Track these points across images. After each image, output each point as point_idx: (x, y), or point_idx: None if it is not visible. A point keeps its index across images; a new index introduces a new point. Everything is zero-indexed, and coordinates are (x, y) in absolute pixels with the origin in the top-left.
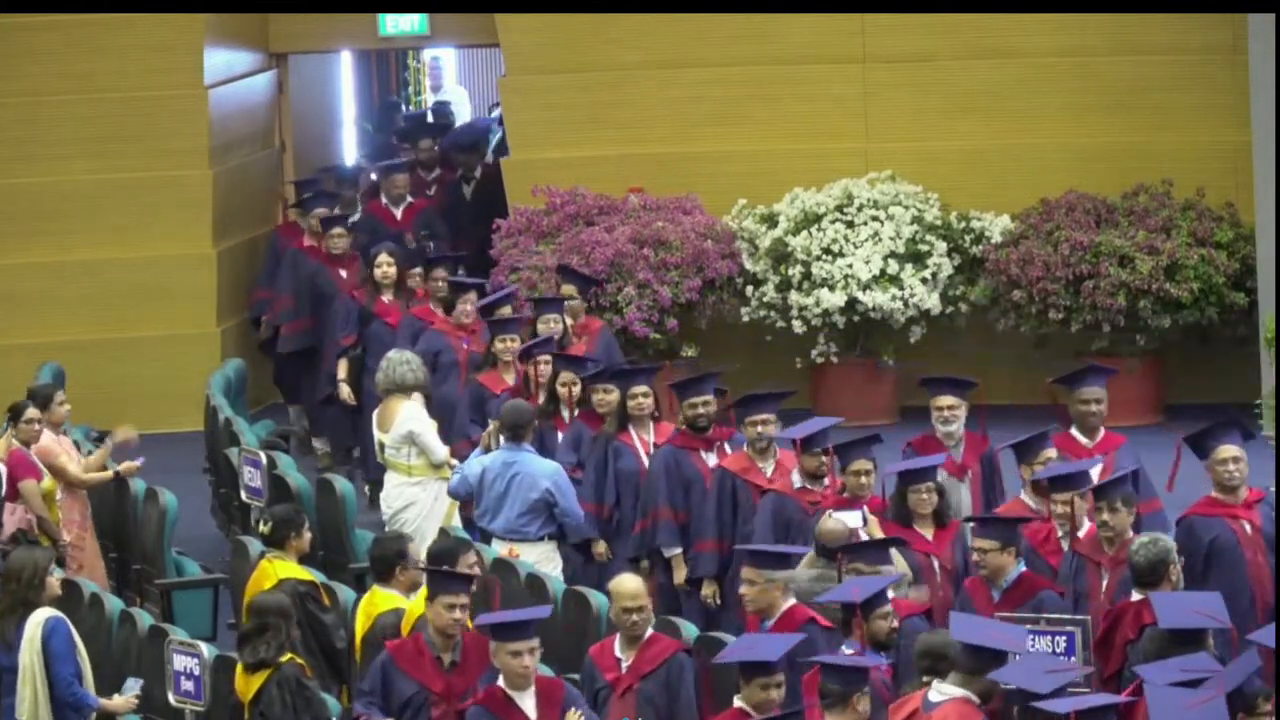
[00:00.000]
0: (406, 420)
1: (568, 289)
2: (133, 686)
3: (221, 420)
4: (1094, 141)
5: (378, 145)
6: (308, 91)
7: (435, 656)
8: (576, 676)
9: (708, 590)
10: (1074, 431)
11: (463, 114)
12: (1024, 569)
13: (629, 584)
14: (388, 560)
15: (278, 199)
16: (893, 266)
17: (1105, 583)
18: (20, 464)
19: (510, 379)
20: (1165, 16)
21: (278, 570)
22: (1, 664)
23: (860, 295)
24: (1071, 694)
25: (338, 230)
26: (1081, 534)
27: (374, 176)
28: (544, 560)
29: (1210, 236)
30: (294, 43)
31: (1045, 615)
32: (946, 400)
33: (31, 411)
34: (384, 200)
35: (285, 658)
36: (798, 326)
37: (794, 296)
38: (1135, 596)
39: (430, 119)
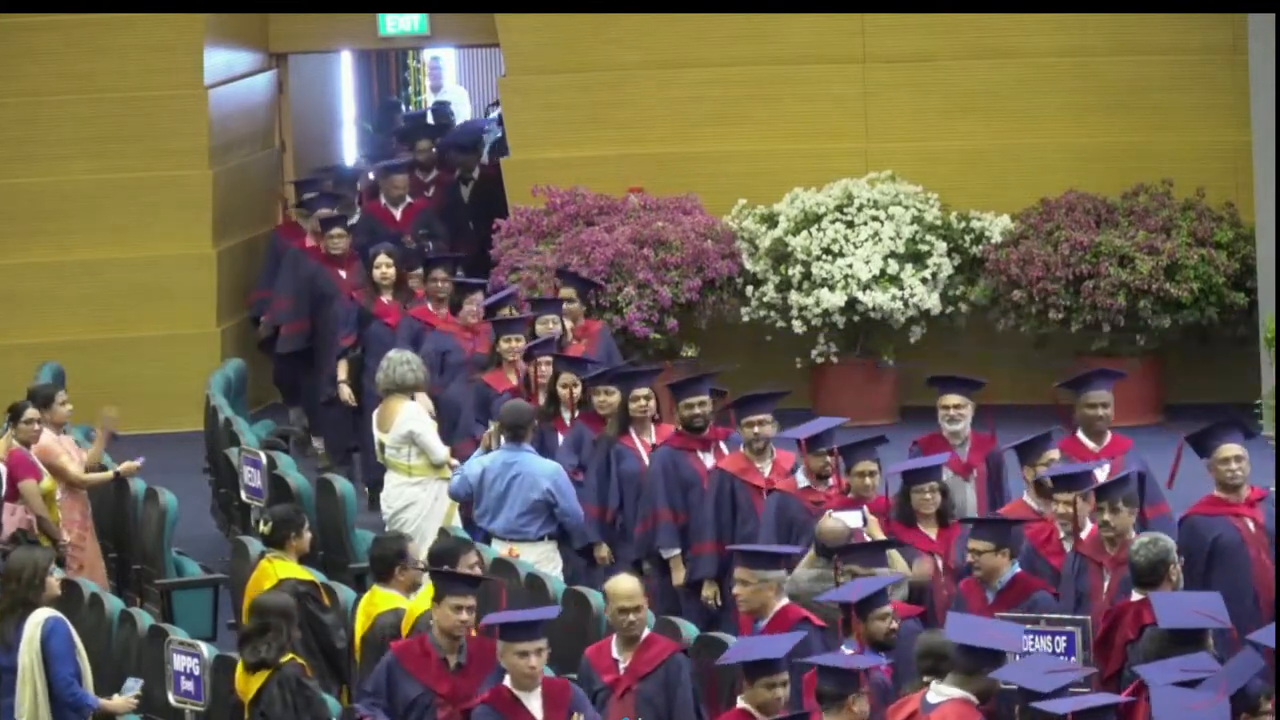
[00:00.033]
0: (406, 420)
1: (566, 292)
2: (133, 686)
3: (221, 420)
4: (1094, 141)
5: (377, 145)
6: (308, 91)
7: (441, 658)
8: (575, 677)
9: (708, 591)
10: (1080, 435)
11: (463, 114)
12: (1019, 570)
13: (625, 584)
14: (388, 560)
15: (278, 199)
16: (893, 266)
17: (1107, 583)
18: (20, 464)
19: (514, 379)
20: (1165, 16)
21: (278, 570)
22: (1, 664)
23: (860, 295)
24: (1072, 694)
25: (337, 231)
26: (1084, 535)
27: (372, 176)
28: (544, 560)
29: (1210, 236)
30: (294, 43)
31: (1045, 615)
32: (953, 399)
33: (31, 411)
34: (383, 201)
35: (286, 658)
36: (798, 326)
37: (794, 296)
38: (1135, 596)
39: (430, 119)
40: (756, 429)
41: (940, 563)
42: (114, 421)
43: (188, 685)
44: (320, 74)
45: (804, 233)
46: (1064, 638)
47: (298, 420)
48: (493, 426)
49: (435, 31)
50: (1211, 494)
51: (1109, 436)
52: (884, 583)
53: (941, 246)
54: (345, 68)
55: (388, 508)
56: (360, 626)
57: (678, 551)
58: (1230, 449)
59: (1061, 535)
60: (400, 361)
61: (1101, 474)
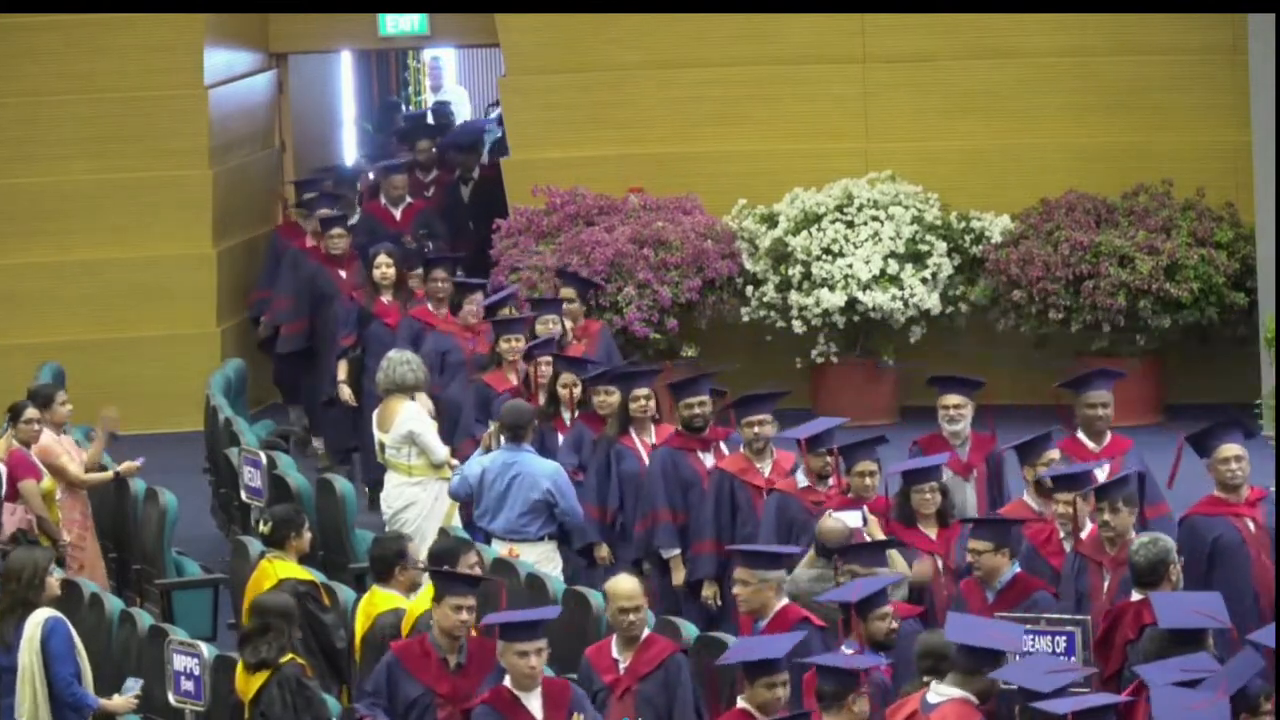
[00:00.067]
0: (406, 420)
1: (566, 292)
2: (133, 686)
3: (221, 420)
4: (1094, 141)
5: (377, 145)
6: (308, 91)
7: (441, 658)
8: (575, 676)
9: (708, 592)
10: (1080, 435)
11: (463, 114)
12: (1018, 570)
13: (625, 584)
14: (387, 560)
15: (278, 199)
16: (893, 266)
17: (1107, 583)
18: (20, 464)
19: (515, 379)
20: (1165, 16)
21: (278, 570)
22: (1, 664)
23: (860, 295)
24: (1072, 694)
25: (337, 231)
26: (1084, 535)
27: (372, 177)
28: (544, 560)
29: (1210, 236)
30: (294, 43)
31: (1045, 615)
32: (953, 399)
33: (31, 411)
34: (383, 201)
35: (286, 658)
36: (798, 326)
37: (794, 296)
38: (1135, 596)
39: (430, 119)
40: (756, 429)
41: (940, 563)
42: (114, 421)
43: (188, 685)
44: (320, 74)
45: (804, 233)
46: (1064, 638)
47: (298, 420)
48: (493, 427)
49: (435, 31)
50: (1212, 494)
51: (1109, 436)
52: (884, 583)
53: (941, 246)
54: (345, 68)
55: (388, 508)
56: (360, 626)
57: (677, 551)
58: (1230, 449)
59: (1062, 535)
60: (400, 361)
61: (1101, 474)
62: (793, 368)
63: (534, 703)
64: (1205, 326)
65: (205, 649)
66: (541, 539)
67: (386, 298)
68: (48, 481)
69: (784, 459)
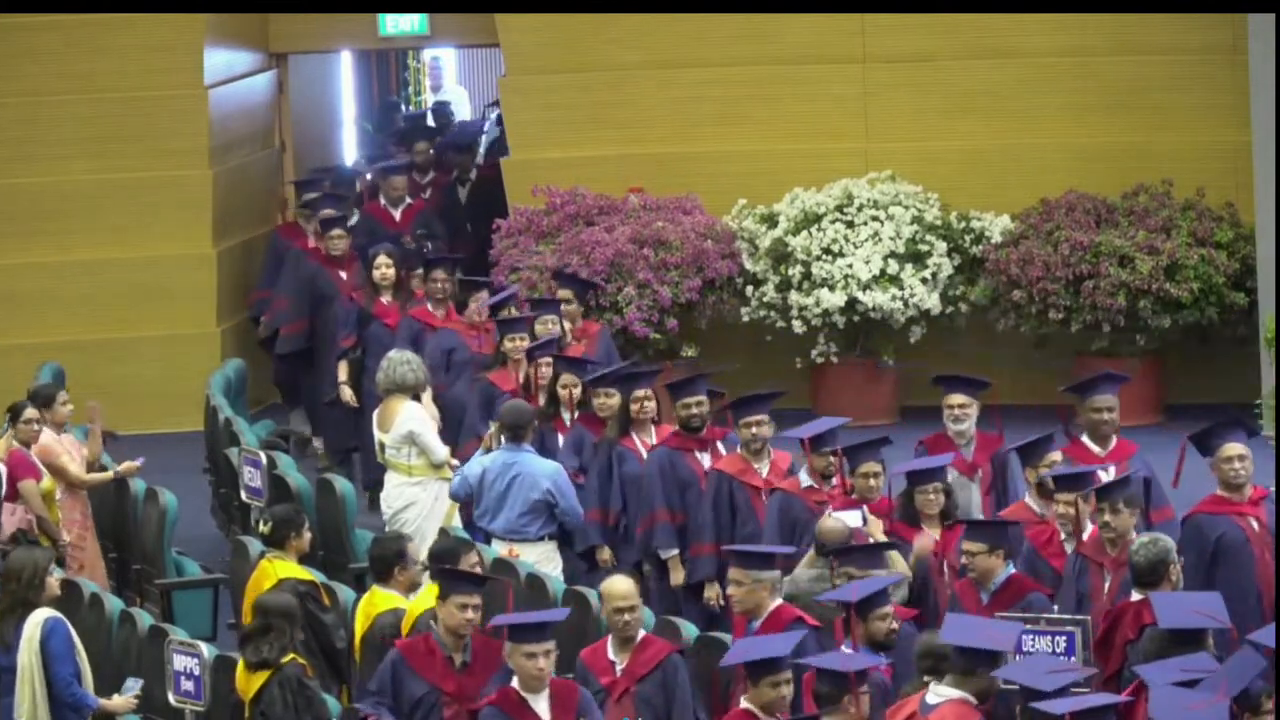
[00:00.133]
0: (406, 420)
1: (564, 293)
2: (133, 686)
3: (221, 420)
4: (1094, 141)
5: (377, 146)
6: (308, 91)
7: (447, 656)
8: (571, 677)
9: (710, 593)
10: (1085, 439)
11: (463, 114)
12: (1013, 571)
13: (620, 585)
14: (387, 560)
15: (278, 199)
16: (893, 266)
17: (1108, 584)
18: (20, 464)
19: (521, 377)
20: (1165, 16)
21: (278, 570)
22: (1, 664)
23: (860, 295)
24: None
25: (337, 232)
26: (1085, 536)
27: (369, 177)
28: (544, 560)
29: (1210, 236)
30: (294, 43)
31: (1045, 615)
32: (958, 399)
33: (31, 411)
34: (383, 202)
35: (287, 658)
36: (798, 326)
37: (794, 296)
38: (1135, 596)
39: (430, 119)
40: (754, 429)
41: (944, 564)
42: (97, 410)
43: (188, 685)
44: (320, 74)
45: (804, 233)
46: (1064, 638)
47: (300, 423)
48: (493, 427)
49: (435, 31)
50: (1215, 493)
51: (1114, 441)
52: (885, 583)
53: (941, 246)
54: (345, 68)
55: (388, 508)
56: (360, 626)
57: (675, 552)
58: (1233, 448)
59: (1062, 536)
60: (400, 361)
61: (1106, 478)
62: (793, 368)
63: (541, 704)
64: (1205, 326)
65: (205, 649)
66: (541, 539)
67: (386, 298)
68: (48, 481)
69: (781, 459)
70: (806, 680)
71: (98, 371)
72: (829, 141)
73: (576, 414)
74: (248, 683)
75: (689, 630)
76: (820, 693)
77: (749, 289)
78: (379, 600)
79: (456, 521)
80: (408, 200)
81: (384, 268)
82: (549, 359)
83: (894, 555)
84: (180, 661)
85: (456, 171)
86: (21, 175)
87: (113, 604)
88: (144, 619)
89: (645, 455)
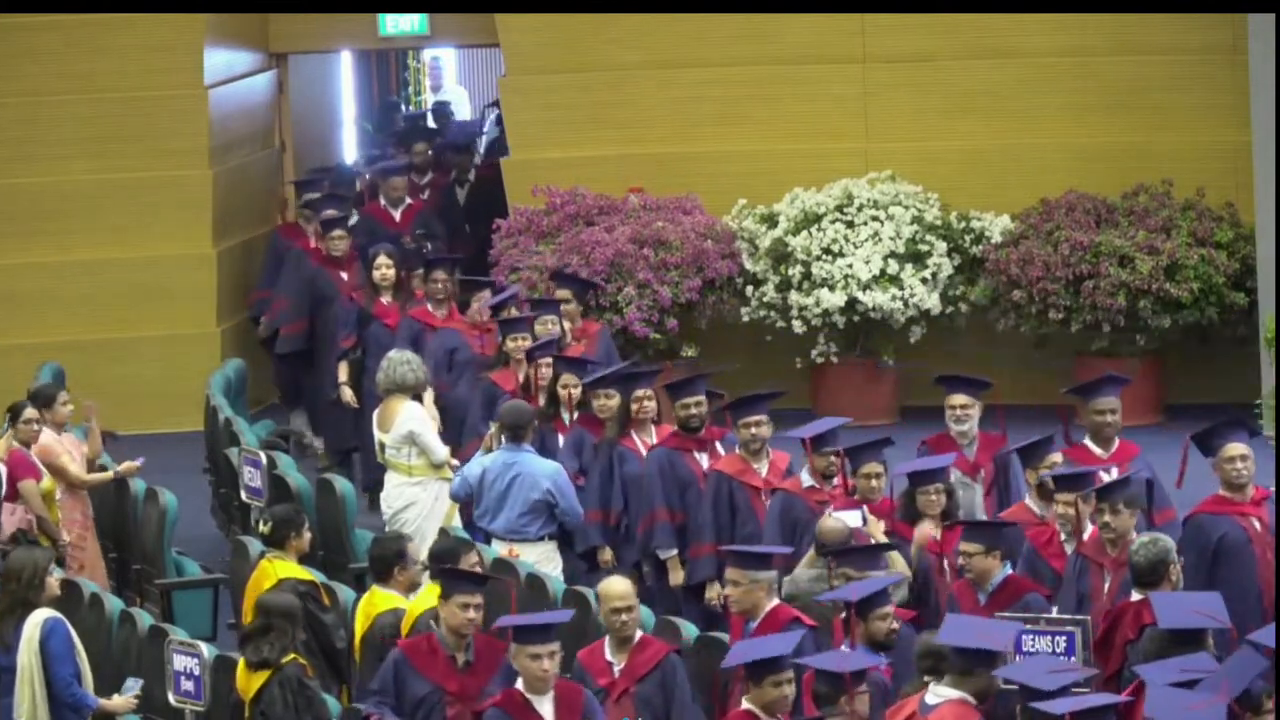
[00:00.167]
0: (407, 420)
1: (562, 293)
2: (133, 686)
3: (221, 420)
4: (1094, 141)
5: (377, 146)
6: (308, 91)
7: (449, 656)
8: (569, 677)
9: (711, 593)
10: (1088, 442)
11: (463, 114)
12: (1010, 572)
13: (617, 585)
14: (387, 560)
15: (278, 199)
16: (893, 266)
17: (1108, 584)
18: (20, 464)
19: (522, 377)
20: (1165, 16)
21: (278, 570)
22: (0, 664)
23: (860, 295)
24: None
25: (338, 232)
26: (1085, 536)
27: (368, 178)
28: (544, 560)
29: (1210, 236)
30: (294, 43)
31: (1044, 615)
32: (960, 399)
33: (30, 411)
34: (382, 202)
35: (288, 658)
36: (798, 326)
37: (794, 296)
38: (1135, 596)
39: (430, 119)
40: (753, 430)
41: (945, 563)
42: (93, 409)
43: (188, 685)
44: (320, 74)
45: (804, 233)
46: (1064, 638)
47: (300, 425)
48: (493, 427)
49: (435, 31)
50: (1217, 493)
51: (1117, 443)
52: (885, 583)
53: (941, 246)
54: (345, 68)
55: (388, 508)
56: (360, 626)
57: (675, 552)
58: (1235, 448)
59: (1063, 537)
60: (400, 361)
61: (1108, 480)
62: (793, 368)
63: (546, 707)
64: (1205, 326)
65: (205, 649)
66: (541, 539)
67: (386, 299)
68: (48, 481)
69: (779, 459)
70: (806, 680)
71: (98, 371)
72: (829, 141)
73: (576, 415)
74: (248, 682)
75: (689, 630)
76: (819, 693)
77: (749, 289)
78: (379, 600)
79: (456, 521)
80: (407, 201)
81: (384, 268)
82: (549, 359)
83: (894, 556)
84: (180, 661)
85: (455, 172)
86: (21, 175)
87: (113, 604)
88: (144, 619)
89: (645, 455)
